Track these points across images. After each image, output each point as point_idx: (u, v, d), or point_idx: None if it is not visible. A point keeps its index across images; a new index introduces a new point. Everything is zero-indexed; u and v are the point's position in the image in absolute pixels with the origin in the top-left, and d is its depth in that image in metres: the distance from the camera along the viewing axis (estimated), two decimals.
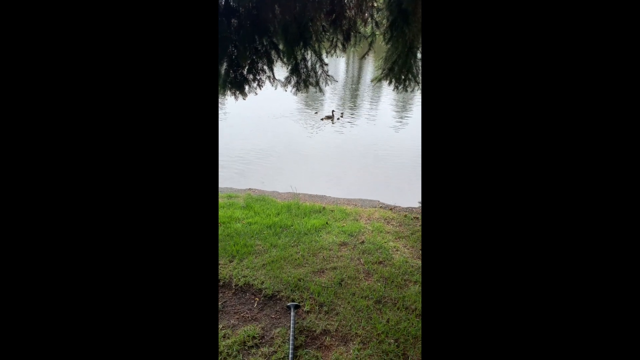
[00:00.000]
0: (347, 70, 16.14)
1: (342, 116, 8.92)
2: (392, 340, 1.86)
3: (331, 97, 10.85)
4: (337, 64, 16.51)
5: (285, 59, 2.76)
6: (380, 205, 4.03)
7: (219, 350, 1.77)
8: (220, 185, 4.79)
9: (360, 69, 16.22)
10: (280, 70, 2.98)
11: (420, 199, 4.49)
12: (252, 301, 2.17)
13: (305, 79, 2.92)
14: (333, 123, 8.36)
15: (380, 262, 2.62)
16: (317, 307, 2.12)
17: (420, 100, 10.01)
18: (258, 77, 2.74)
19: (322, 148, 6.71)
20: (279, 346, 1.83)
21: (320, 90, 3.01)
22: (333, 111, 8.81)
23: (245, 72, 2.68)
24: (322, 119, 8.44)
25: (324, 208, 3.59)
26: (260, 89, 2.81)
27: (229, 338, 1.87)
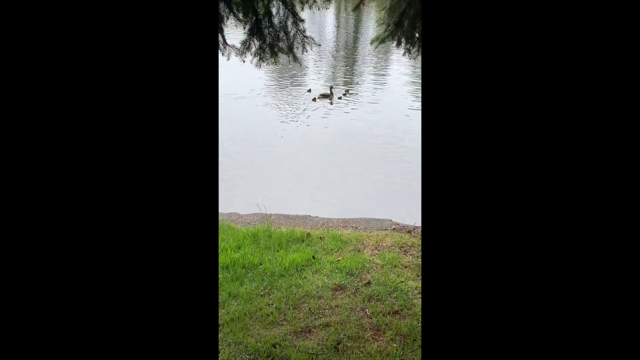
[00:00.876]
0: (337, 29, 16.26)
1: (346, 94, 9.00)
2: None
3: (315, 71, 10.91)
4: (322, 20, 16.66)
5: (240, 15, 2.77)
6: (393, 226, 4.10)
7: None
8: None
9: (356, 25, 16.38)
10: (235, 33, 2.98)
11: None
12: None
13: (271, 44, 2.91)
14: (332, 103, 8.44)
15: (395, 313, 2.65)
16: None
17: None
18: None
19: (305, 144, 6.68)
20: None
21: (295, 59, 2.96)
22: (332, 87, 8.92)
23: None
24: (315, 99, 8.53)
25: (308, 235, 3.62)
26: None
27: None
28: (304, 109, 8.20)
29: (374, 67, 11.31)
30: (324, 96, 8.75)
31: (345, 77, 10.53)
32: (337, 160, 6.15)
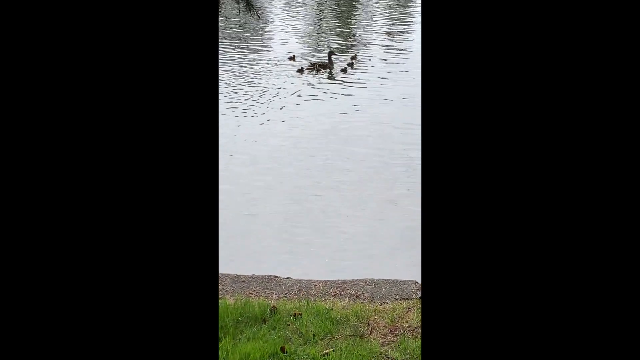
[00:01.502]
0: None
1: (352, 64, 7.57)
2: None
3: (283, 30, 9.28)
4: None
5: None
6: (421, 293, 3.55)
7: None
8: None
9: None
10: None
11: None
12: None
13: None
14: (332, 77, 6.91)
15: None
16: None
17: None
18: None
19: (272, 153, 5.45)
20: None
21: (250, 7, 2.60)
22: (331, 53, 7.56)
23: None
24: (302, 70, 7.05)
25: (274, 310, 3.16)
26: None
27: None
28: (281, 92, 6.63)
29: (392, 24, 10.09)
30: (318, 66, 7.18)
31: (341, 39, 9.11)
32: (328, 179, 5.00)
